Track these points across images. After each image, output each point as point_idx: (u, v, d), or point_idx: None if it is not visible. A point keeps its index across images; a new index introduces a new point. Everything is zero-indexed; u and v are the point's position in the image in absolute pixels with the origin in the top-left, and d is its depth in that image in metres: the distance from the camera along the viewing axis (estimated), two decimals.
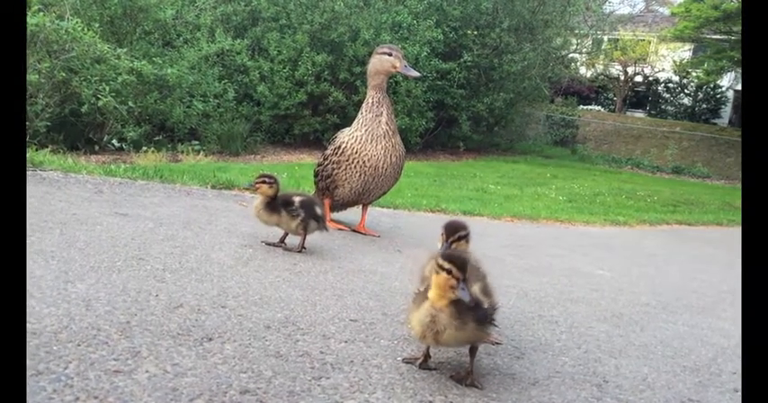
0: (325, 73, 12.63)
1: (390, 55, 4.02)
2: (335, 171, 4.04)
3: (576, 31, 22.42)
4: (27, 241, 2.51)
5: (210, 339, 1.86)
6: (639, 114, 31.63)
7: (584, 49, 27.01)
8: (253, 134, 11.59)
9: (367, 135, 3.95)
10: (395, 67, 4.02)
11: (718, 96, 30.55)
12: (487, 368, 2.03)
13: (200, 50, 10.76)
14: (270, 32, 12.68)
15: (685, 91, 31.62)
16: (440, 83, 14.57)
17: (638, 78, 32.16)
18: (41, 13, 7.73)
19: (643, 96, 33.17)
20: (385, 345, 2.06)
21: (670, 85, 31.92)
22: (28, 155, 4.46)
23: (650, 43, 31.01)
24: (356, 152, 3.96)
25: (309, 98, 12.53)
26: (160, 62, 9.45)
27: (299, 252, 3.15)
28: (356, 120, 4.05)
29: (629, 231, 7.59)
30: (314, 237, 3.53)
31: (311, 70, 12.29)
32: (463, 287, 1.67)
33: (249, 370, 1.70)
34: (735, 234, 8.11)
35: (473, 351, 1.88)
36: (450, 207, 6.54)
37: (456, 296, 1.68)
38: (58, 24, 7.74)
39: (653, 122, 28.00)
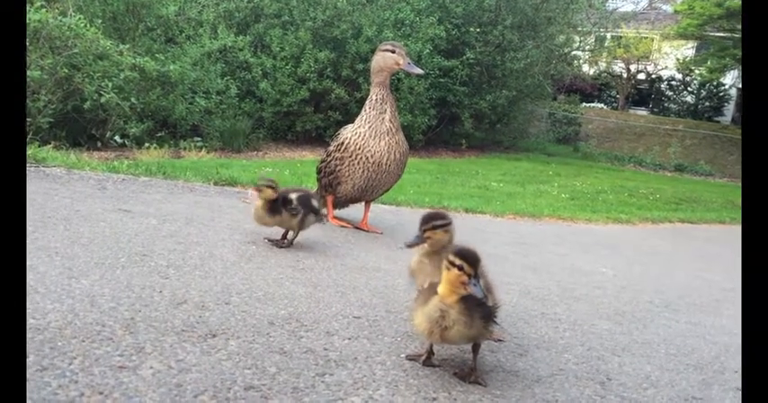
0: (328, 70, 12.61)
1: (393, 52, 4.02)
2: (339, 167, 4.04)
3: (579, 29, 22.37)
4: (31, 237, 2.52)
5: (214, 335, 1.86)
6: (642, 112, 31.57)
7: (587, 47, 26.94)
8: (255, 131, 11.58)
9: (370, 131, 3.95)
10: (398, 64, 4.02)
11: (722, 94, 30.47)
12: (491, 365, 2.03)
13: (202, 47, 10.73)
14: (272, 29, 12.66)
15: (688, 89, 31.54)
16: (442, 80, 14.54)
17: (641, 76, 32.09)
18: (44, 10, 7.71)
19: (646, 94, 33.10)
20: (388, 342, 2.06)
21: (673, 82, 31.86)
22: (31, 151, 4.47)
23: (653, 41, 30.92)
24: (359, 148, 3.95)
25: (312, 95, 12.51)
26: (163, 58, 9.43)
27: (288, 247, 3.15)
28: (359, 117, 4.05)
29: (631, 229, 7.59)
30: (317, 235, 3.54)
31: (314, 67, 12.27)
32: (475, 283, 1.67)
33: (253, 366, 1.70)
34: (737, 232, 8.09)
35: (476, 348, 1.88)
36: (453, 204, 6.53)
37: (467, 292, 1.68)
38: (60, 21, 7.73)
39: (656, 120, 27.95)
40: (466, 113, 15.15)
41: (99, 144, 8.61)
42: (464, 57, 14.63)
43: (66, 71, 7.75)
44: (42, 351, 1.56)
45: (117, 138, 8.95)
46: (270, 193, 3.07)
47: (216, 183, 5.02)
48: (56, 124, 7.86)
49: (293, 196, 3.12)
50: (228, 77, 11.25)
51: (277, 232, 3.27)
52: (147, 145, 8.79)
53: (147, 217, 3.30)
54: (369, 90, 4.14)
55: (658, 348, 2.57)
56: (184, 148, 9.50)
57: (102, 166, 4.72)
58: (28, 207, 3.01)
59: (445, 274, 1.71)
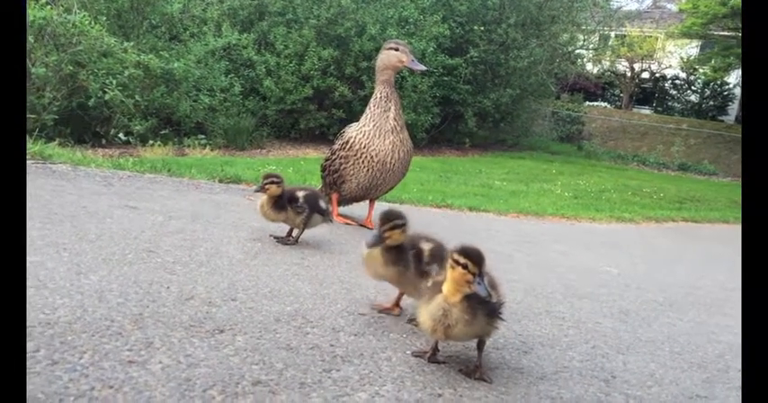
0: (332, 68, 12.62)
1: (397, 50, 4.03)
2: (343, 166, 4.05)
3: (583, 27, 22.29)
4: (39, 233, 2.54)
5: (222, 331, 1.87)
6: (646, 111, 31.51)
7: (591, 46, 26.84)
8: (259, 128, 11.60)
9: (375, 130, 3.96)
10: (401, 62, 4.03)
11: (726, 93, 30.39)
12: (496, 362, 2.04)
13: (206, 44, 10.76)
14: (276, 27, 12.67)
15: (692, 87, 31.47)
16: (446, 78, 14.54)
17: (645, 75, 32.01)
18: (49, 7, 7.75)
19: (650, 93, 33.02)
20: (394, 339, 2.07)
21: (677, 81, 31.79)
22: (38, 148, 4.49)
23: (657, 39, 30.84)
24: (364, 147, 3.96)
25: (315, 93, 12.52)
26: (167, 56, 9.46)
27: (293, 245, 3.17)
28: (364, 116, 4.05)
29: (634, 228, 7.58)
30: (322, 232, 3.55)
31: (317, 65, 12.29)
32: (479, 281, 1.67)
33: (261, 361, 1.71)
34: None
35: (481, 345, 1.89)
36: (456, 202, 6.54)
37: (472, 291, 1.69)
38: (65, 18, 7.76)
39: (659, 119, 27.89)
40: (469, 112, 15.15)
41: (103, 141, 8.64)
42: (468, 55, 14.62)
43: (71, 68, 7.78)
44: (53, 345, 1.58)
45: (121, 135, 8.97)
46: (275, 190, 3.08)
47: (221, 181, 5.04)
48: (60, 121, 7.89)
49: (300, 194, 3.13)
50: (232, 75, 11.28)
51: (282, 229, 3.28)
52: (150, 142, 8.82)
53: (153, 213, 3.32)
54: (372, 88, 4.15)
55: (662, 346, 2.58)
56: (188, 146, 9.53)
57: (107, 163, 4.74)
58: (36, 203, 3.03)
59: (450, 273, 1.72)
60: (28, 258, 2.19)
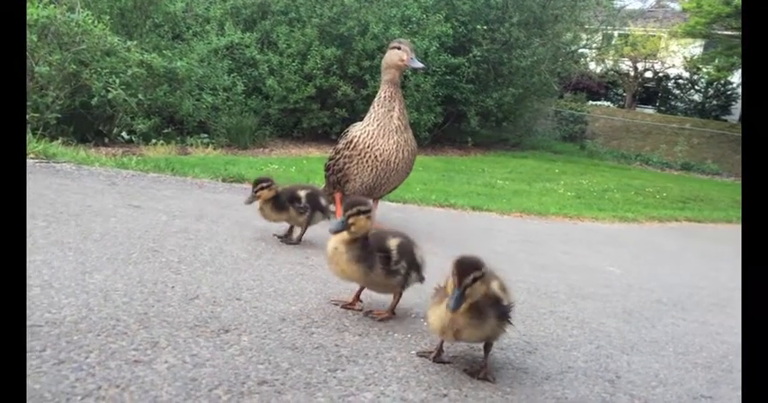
0: (334, 67, 12.61)
1: (399, 49, 4.02)
2: (347, 165, 4.04)
3: (587, 27, 22.24)
4: (44, 232, 2.54)
5: (227, 331, 1.88)
6: (649, 110, 31.43)
7: (594, 45, 26.78)
8: (261, 127, 11.59)
9: (379, 130, 3.95)
10: (402, 60, 4.01)
11: (729, 93, 30.28)
12: (500, 362, 2.04)
13: (209, 43, 10.75)
14: (279, 26, 12.67)
15: (696, 87, 31.36)
16: (449, 77, 14.51)
17: (648, 74, 31.92)
18: (52, 6, 7.75)
19: (653, 92, 32.93)
20: (399, 339, 2.07)
21: (680, 81, 31.68)
22: (42, 146, 4.49)
23: (661, 39, 30.73)
24: (368, 146, 3.96)
25: (318, 92, 12.51)
26: (170, 55, 9.45)
27: (296, 244, 3.17)
28: (368, 115, 4.05)
29: (638, 228, 7.57)
30: (325, 232, 3.53)
31: (320, 64, 12.27)
32: (455, 296, 1.67)
33: (266, 361, 1.71)
34: None
35: (488, 347, 1.89)
36: (459, 202, 6.53)
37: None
38: (68, 17, 7.75)
39: (662, 118, 27.80)
40: (472, 111, 15.12)
41: (106, 140, 8.64)
42: (471, 54, 14.59)
43: (74, 67, 7.78)
44: (59, 344, 1.58)
45: (124, 134, 8.98)
46: (267, 194, 3.07)
47: (224, 180, 5.05)
48: (63, 120, 7.89)
49: (302, 194, 3.13)
50: (235, 74, 11.27)
51: (285, 228, 3.28)
52: (153, 141, 8.82)
53: (157, 213, 3.32)
54: (375, 87, 4.15)
55: (667, 347, 2.58)
56: (191, 145, 9.53)
57: (111, 162, 4.75)
58: (40, 202, 3.04)
59: (449, 280, 1.73)
60: (33, 257, 2.19)
